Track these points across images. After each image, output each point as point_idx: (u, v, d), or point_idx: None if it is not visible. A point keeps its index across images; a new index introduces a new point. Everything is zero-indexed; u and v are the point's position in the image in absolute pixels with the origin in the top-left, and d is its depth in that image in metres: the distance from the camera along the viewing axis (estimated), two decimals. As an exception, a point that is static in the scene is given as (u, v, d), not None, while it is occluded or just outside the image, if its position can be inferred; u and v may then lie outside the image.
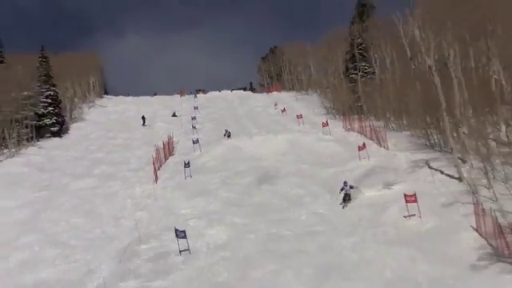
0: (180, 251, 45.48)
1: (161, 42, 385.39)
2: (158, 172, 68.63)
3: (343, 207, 51.54)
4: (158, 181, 66.28)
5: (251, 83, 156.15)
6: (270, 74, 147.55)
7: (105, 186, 68.50)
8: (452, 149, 58.32)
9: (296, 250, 44.09)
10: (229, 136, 71.44)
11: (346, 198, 51.93)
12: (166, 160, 73.13)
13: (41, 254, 50.15)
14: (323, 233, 46.97)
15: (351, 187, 52.71)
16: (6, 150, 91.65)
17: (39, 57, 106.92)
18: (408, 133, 75.84)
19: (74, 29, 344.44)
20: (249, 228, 49.48)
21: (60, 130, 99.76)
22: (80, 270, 45.55)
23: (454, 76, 61.74)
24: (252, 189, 59.87)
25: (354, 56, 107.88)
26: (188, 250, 45.55)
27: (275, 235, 47.38)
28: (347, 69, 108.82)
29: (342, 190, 52.58)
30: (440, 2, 70.50)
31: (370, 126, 78.51)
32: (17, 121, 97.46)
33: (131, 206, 59.46)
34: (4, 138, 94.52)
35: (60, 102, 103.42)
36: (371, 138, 73.41)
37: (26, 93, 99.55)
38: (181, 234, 45.82)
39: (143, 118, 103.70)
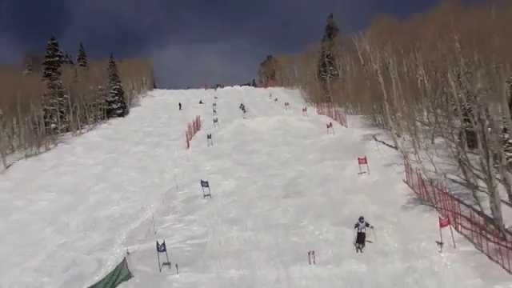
0: (204, 195, 45.85)
1: (192, 51, 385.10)
2: (189, 141, 68.31)
3: (357, 249, 32.17)
4: (189, 147, 65.99)
5: (253, 80, 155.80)
6: (267, 75, 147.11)
7: (153, 150, 68.50)
8: (391, 127, 58.61)
9: (283, 195, 44.25)
10: (243, 109, 69.68)
11: (361, 239, 32.36)
12: (194, 133, 72.68)
13: (109, 197, 50.38)
14: (302, 184, 47.01)
15: (367, 225, 32.77)
16: (86, 126, 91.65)
17: (109, 62, 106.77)
18: (361, 116, 75.80)
19: (133, 42, 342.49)
20: (251, 180, 49.56)
21: (123, 112, 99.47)
22: (136, 207, 45.83)
23: (392, 77, 61.66)
24: (253, 153, 59.75)
25: (324, 63, 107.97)
26: (209, 194, 45.94)
27: (269, 185, 47.46)
28: (319, 72, 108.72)
29: (356, 226, 32.82)
30: (382, 27, 70.85)
31: (334, 110, 78.39)
32: (94, 106, 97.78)
33: (171, 164, 59.56)
34: (86, 118, 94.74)
35: (123, 92, 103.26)
36: (336, 119, 73.20)
37: (100, 87, 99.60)
38: (204, 184, 46.39)
39: (179, 104, 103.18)
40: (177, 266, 31.13)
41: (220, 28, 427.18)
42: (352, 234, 33.84)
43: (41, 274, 33.39)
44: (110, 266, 32.35)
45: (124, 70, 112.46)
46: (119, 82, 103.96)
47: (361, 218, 33.11)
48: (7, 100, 78.19)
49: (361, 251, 31.52)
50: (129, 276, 30.73)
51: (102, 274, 31.00)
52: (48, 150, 76.06)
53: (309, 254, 30.97)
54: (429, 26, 54.28)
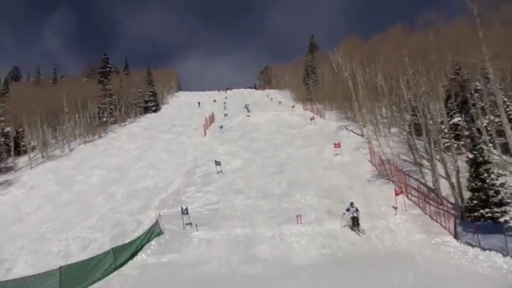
0: (217, 172, 45.33)
1: (208, 62, 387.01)
2: (206, 131, 67.72)
3: (357, 232, 28.89)
4: (206, 135, 65.30)
5: (255, 84, 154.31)
6: (265, 80, 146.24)
7: (178, 138, 67.69)
8: (358, 120, 58.19)
9: (277, 172, 43.70)
10: (247, 109, 68.86)
11: (355, 223, 29.22)
12: (210, 124, 72.09)
13: (146, 173, 49.91)
14: (291, 163, 46.48)
15: (357, 210, 29.59)
16: (128, 119, 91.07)
17: (146, 71, 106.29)
18: (336, 111, 75.09)
19: (164, 56, 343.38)
20: (253, 160, 48.93)
21: (156, 109, 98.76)
22: (165, 181, 45.24)
23: (359, 82, 61.11)
24: (254, 140, 59.16)
25: (308, 71, 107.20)
26: (221, 171, 45.41)
27: (267, 164, 46.86)
28: (304, 78, 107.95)
29: (347, 210, 29.90)
30: (350, 45, 71.39)
31: (316, 107, 77.66)
32: (134, 104, 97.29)
33: (192, 148, 58.64)
34: (128, 113, 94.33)
35: (156, 94, 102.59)
36: (317, 114, 72.51)
37: (139, 90, 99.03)
38: (217, 163, 45.99)
39: (198, 102, 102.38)
40: (196, 225, 31.14)
41: (229, 44, 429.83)
42: (328, 203, 33.96)
43: (95, 230, 33.42)
44: (146, 225, 32.20)
45: (157, 77, 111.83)
46: (153, 86, 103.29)
47: (351, 203, 29.83)
48: (72, 100, 79.48)
49: (363, 233, 28.43)
50: (160, 233, 30.76)
51: (140, 231, 30.89)
52: (100, 137, 75.88)
53: (296, 216, 30.92)
54: (385, 45, 53.91)
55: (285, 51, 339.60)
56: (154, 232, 30.33)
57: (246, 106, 67.30)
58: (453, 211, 30.00)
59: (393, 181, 37.53)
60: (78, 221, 36.35)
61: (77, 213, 39.34)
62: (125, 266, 25.52)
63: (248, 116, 67.38)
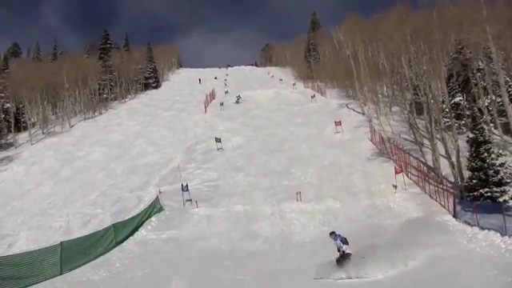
0: (217, 149, 45.53)
1: (209, 39, 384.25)
2: (207, 107, 67.64)
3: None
4: (207, 112, 65.26)
5: (256, 62, 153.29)
6: (266, 58, 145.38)
7: (179, 114, 67.58)
8: (359, 98, 58.17)
9: (277, 149, 43.88)
10: (238, 99, 68.43)
11: (342, 255, 19.44)
12: (210, 101, 71.94)
13: (146, 149, 50.01)
14: (292, 140, 46.63)
15: (343, 241, 19.62)
16: (129, 96, 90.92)
17: (146, 48, 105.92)
18: (337, 89, 74.78)
19: (165, 32, 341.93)
20: (253, 137, 49.05)
21: (156, 85, 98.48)
22: (166, 157, 45.41)
23: (360, 61, 61.08)
24: (255, 117, 59.17)
25: (309, 49, 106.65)
26: (222, 148, 45.60)
27: (267, 141, 46.99)
28: (306, 55, 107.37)
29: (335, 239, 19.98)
30: (352, 23, 70.46)
31: (317, 85, 77.35)
32: (135, 80, 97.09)
33: (192, 124, 58.58)
34: (129, 90, 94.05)
35: (157, 71, 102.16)
36: (318, 92, 72.28)
37: (139, 66, 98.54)
38: (218, 140, 46.09)
39: (199, 79, 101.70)
40: (196, 202, 31.29)
41: (230, 22, 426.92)
42: (328, 181, 34.11)
43: (96, 206, 33.66)
44: (146, 202, 32.24)
45: (158, 54, 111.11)
46: (154, 62, 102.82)
47: (333, 234, 19.97)
48: (72, 77, 79.19)
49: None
50: (161, 209, 30.93)
51: (141, 208, 30.95)
52: (101, 114, 75.93)
53: (296, 193, 31.06)
54: (387, 23, 53.57)
55: (286, 29, 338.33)
56: (154, 208, 30.46)
57: (238, 98, 66.85)
58: (452, 190, 29.97)
59: (393, 159, 37.58)
60: (79, 197, 36.54)
61: (77, 189, 39.48)
62: (125, 242, 25.67)
63: (237, 103, 66.81)
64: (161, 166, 42.53)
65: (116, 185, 38.73)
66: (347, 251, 19.48)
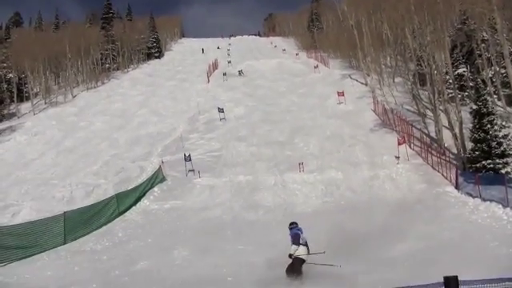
0: (220, 119, 45.36)
1: (212, 8, 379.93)
2: (210, 77, 67.36)
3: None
4: (209, 82, 65.05)
5: (259, 31, 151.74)
6: (269, 27, 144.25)
7: (181, 84, 67.22)
8: (362, 69, 57.93)
9: (280, 119, 43.78)
10: (240, 72, 67.75)
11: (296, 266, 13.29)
12: (213, 71, 71.57)
13: (149, 119, 49.85)
14: (294, 111, 46.49)
15: (293, 238, 13.66)
16: (131, 66, 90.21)
17: (149, 18, 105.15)
18: (340, 60, 74.12)
19: (167, 1, 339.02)
20: (255, 107, 48.89)
21: (159, 55, 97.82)
22: (168, 127, 45.43)
23: (364, 31, 60.18)
24: (258, 87, 58.89)
25: (312, 19, 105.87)
26: (224, 118, 45.42)
27: (270, 111, 46.82)
28: (309, 25, 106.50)
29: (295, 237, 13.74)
30: None
31: (320, 55, 76.85)
32: (138, 50, 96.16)
33: (195, 94, 58.25)
34: (131, 59, 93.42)
35: (159, 41, 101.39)
36: (321, 62, 71.80)
37: (142, 36, 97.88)
38: (220, 110, 45.90)
39: (202, 49, 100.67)
40: (199, 172, 31.38)
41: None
42: (331, 151, 34.16)
43: (98, 176, 33.73)
44: (149, 172, 32.33)
45: (160, 24, 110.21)
46: (156, 32, 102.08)
47: (292, 224, 14.48)
48: (74, 47, 78.43)
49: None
50: (163, 179, 31.05)
51: (144, 178, 31.07)
52: (103, 84, 75.28)
53: (299, 164, 31.09)
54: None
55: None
56: (156, 178, 30.52)
57: (240, 72, 66.21)
58: (455, 162, 30.04)
59: (396, 130, 37.52)
60: (82, 167, 36.55)
61: (80, 159, 39.50)
62: (128, 212, 25.76)
63: (241, 75, 66.15)
64: (163, 136, 42.52)
65: (119, 155, 38.70)
66: (297, 254, 13.28)
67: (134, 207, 26.54)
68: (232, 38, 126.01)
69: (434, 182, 27.71)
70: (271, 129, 41.02)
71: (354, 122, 41.04)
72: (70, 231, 21.53)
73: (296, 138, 37.86)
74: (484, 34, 46.40)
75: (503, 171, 26.46)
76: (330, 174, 30.16)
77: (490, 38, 44.84)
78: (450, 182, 26.89)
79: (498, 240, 17.15)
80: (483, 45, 46.36)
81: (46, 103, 66.04)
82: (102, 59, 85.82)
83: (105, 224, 23.66)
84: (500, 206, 21.60)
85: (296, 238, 13.64)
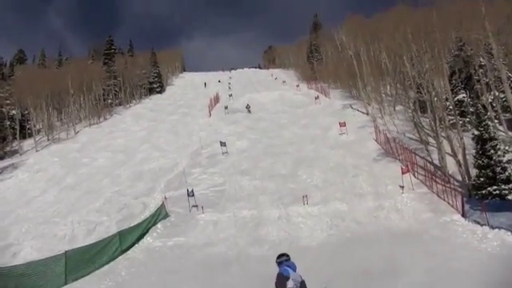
0: (223, 153, 44.90)
1: (212, 42, 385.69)
2: (211, 111, 67.37)
3: None
4: (211, 116, 64.99)
5: (259, 64, 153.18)
6: (269, 60, 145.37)
7: (183, 118, 67.14)
8: (363, 98, 57.82)
9: (283, 151, 43.30)
10: (248, 109, 67.73)
11: None
12: (215, 105, 71.72)
13: (151, 154, 49.34)
14: (297, 142, 46.13)
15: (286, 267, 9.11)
16: (133, 101, 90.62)
17: (151, 52, 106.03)
18: (340, 90, 74.26)
19: (169, 36, 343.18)
20: (258, 140, 48.58)
21: (161, 90, 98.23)
22: (171, 162, 44.94)
23: (363, 60, 60.67)
24: (259, 119, 58.87)
25: (311, 50, 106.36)
26: (227, 152, 44.96)
27: (272, 144, 46.48)
28: (308, 57, 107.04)
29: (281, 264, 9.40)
30: (354, 23, 70.84)
31: (320, 86, 76.96)
32: (139, 85, 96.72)
33: (197, 129, 58.06)
34: (133, 95, 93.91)
35: (161, 75, 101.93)
36: (321, 93, 71.92)
37: (143, 71, 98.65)
38: (223, 144, 45.51)
39: (205, 83, 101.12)
40: (202, 207, 30.88)
41: (233, 24, 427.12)
42: (334, 183, 33.78)
43: (101, 214, 33.27)
44: (152, 208, 32.02)
45: (161, 58, 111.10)
46: (158, 67, 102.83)
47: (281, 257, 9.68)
48: (77, 82, 78.89)
49: None
50: (166, 215, 30.60)
51: (146, 214, 30.75)
52: (105, 119, 75.43)
53: (303, 197, 30.68)
54: (388, 22, 53.42)
55: (288, 31, 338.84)
56: (159, 215, 30.13)
57: (248, 107, 66.13)
58: (460, 189, 29.59)
59: (399, 159, 37.07)
60: (84, 204, 36.11)
61: (82, 196, 39.07)
62: (131, 250, 25.31)
63: (249, 112, 66.03)
64: (166, 172, 42.16)
65: (121, 191, 38.30)
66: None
67: (136, 245, 26.07)
68: (233, 71, 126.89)
69: (439, 210, 27.19)
70: (274, 161, 40.62)
71: (357, 152, 40.68)
72: (72, 271, 21.12)
73: (299, 170, 37.44)
74: (481, 59, 46.68)
75: (510, 197, 25.99)
76: (335, 205, 29.69)
77: (488, 64, 45.06)
78: (457, 210, 26.41)
79: (509, 269, 16.75)
80: (481, 70, 46.53)
81: (48, 140, 65.96)
82: (104, 95, 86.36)
83: (107, 263, 23.22)
84: (509, 233, 21.22)
85: (280, 282, 8.99)
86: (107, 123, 72.56)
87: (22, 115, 71.21)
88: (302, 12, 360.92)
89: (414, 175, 32.96)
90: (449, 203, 27.84)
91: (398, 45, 44.59)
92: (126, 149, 53.66)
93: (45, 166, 51.67)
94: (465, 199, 26.75)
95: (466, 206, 25.94)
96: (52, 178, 46.82)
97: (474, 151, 28.81)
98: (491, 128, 29.16)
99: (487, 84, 45.28)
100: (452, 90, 43.02)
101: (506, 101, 38.68)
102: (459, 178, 31.93)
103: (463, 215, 25.49)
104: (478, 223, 23.62)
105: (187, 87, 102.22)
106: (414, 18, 43.75)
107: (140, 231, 27.26)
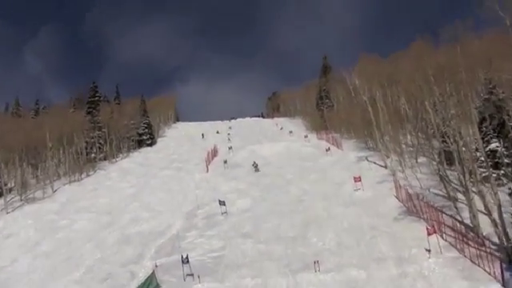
0: (222, 213, 44.92)
1: (209, 86, 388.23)
2: (209, 166, 67.61)
3: None
4: (208, 171, 65.26)
5: (262, 113, 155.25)
6: (273, 107, 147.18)
7: (177, 174, 67.41)
8: (380, 149, 57.97)
9: (290, 210, 43.38)
10: (256, 167, 67.57)
11: None
12: (212, 159, 72.09)
13: (140, 215, 49.29)
14: (306, 200, 46.31)
15: None
16: (120, 155, 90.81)
17: (140, 100, 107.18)
18: (354, 140, 74.78)
19: (161, 80, 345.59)
20: (262, 198, 48.81)
21: (151, 142, 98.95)
22: (163, 224, 44.91)
23: (379, 106, 61.14)
24: (263, 175, 59.13)
25: (321, 96, 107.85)
26: (226, 212, 44.99)
27: (278, 202, 46.60)
28: (317, 103, 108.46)
29: None
30: (367, 64, 71.91)
31: (332, 136, 77.72)
32: (127, 137, 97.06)
33: (193, 186, 58.34)
34: (120, 148, 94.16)
35: (151, 126, 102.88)
36: (333, 144, 72.59)
37: (132, 121, 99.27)
38: (222, 203, 45.51)
39: (202, 134, 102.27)
40: (199, 276, 30.57)
41: (233, 66, 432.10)
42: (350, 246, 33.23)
43: (81, 285, 33.13)
44: (141, 278, 31.64)
45: (152, 106, 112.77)
46: (148, 117, 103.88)
47: None
48: (55, 134, 78.55)
49: None
50: (158, 286, 30.11)
51: (135, 285, 30.37)
52: (88, 175, 75.28)
53: (314, 262, 30.29)
54: (406, 62, 54.01)
55: (294, 74, 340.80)
56: (150, 285, 29.56)
57: (255, 165, 66.17)
58: (497, 253, 29.03)
59: (423, 218, 36.76)
60: (62, 274, 35.76)
61: (60, 264, 38.64)
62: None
63: (257, 170, 65.93)
64: (157, 235, 41.95)
65: (105, 258, 38.00)
66: None
67: (122, 322, 25.58)
68: (232, 120, 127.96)
69: (474, 278, 26.73)
70: (280, 222, 40.46)
71: (375, 211, 40.50)
72: None
73: (309, 232, 37.22)
74: (515, 103, 46.68)
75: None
76: (351, 272, 29.35)
77: (523, 108, 45.05)
78: (495, 278, 25.96)
79: None
80: (516, 115, 46.51)
81: (21, 200, 65.26)
82: (86, 148, 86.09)
83: None
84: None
85: None
86: (90, 180, 72.41)
87: (-8, 172, 71.07)
88: (310, 52, 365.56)
89: (441, 237, 32.61)
90: (485, 270, 27.34)
91: (419, 88, 44.90)
92: (111, 209, 53.50)
93: (16, 229, 51.01)
94: (504, 265, 26.26)
95: (506, 274, 25.53)
96: (24, 244, 46.12)
97: (512, 208, 28.52)
98: (530, 181, 28.94)
99: (524, 131, 45.26)
100: (483, 138, 42.91)
101: (545, 150, 38.54)
102: (496, 239, 31.34)
103: (503, 284, 25.11)
104: (521, 294, 23.18)
105: (181, 139, 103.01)
106: (435, 57, 43.89)
107: (127, 306, 26.75)
